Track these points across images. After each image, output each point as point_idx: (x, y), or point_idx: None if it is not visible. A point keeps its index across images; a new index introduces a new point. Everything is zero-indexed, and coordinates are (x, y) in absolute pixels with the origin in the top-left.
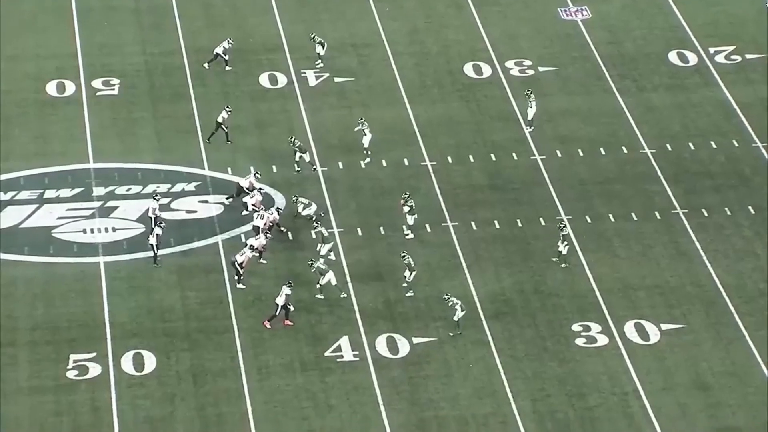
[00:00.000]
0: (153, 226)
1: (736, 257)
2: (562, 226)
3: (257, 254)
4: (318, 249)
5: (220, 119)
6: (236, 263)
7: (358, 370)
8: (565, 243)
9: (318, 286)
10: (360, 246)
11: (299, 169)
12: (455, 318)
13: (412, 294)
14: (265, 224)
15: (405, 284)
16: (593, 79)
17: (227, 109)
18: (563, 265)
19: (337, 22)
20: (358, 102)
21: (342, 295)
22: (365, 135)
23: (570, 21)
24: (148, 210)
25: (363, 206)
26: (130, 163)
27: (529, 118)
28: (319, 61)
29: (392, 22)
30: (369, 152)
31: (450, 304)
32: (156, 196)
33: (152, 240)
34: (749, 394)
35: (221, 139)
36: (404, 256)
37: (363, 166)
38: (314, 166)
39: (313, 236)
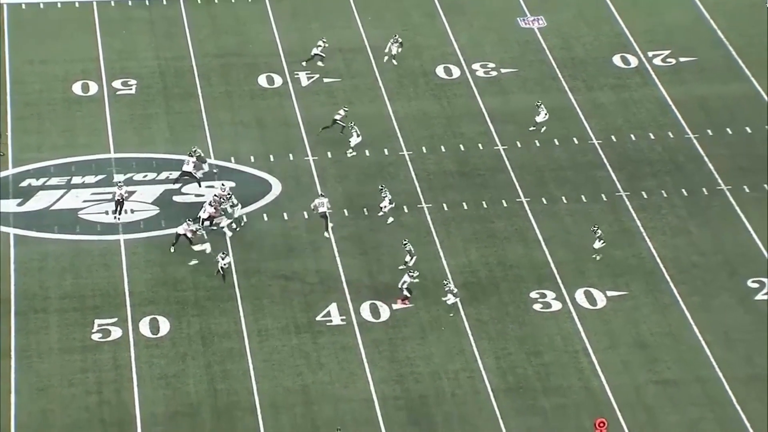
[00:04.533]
0: (195, 228)
1: (672, 233)
2: (595, 228)
3: (208, 222)
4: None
5: (337, 117)
6: (187, 235)
7: (345, 333)
8: (602, 242)
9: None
10: (347, 225)
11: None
12: (448, 302)
13: (417, 275)
14: (210, 203)
15: (405, 266)
16: (548, 80)
17: (345, 109)
18: (597, 258)
19: (326, 30)
20: (344, 100)
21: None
22: (354, 136)
23: (528, 29)
24: (180, 228)
25: (349, 191)
26: (146, 153)
27: (538, 121)
28: (393, 59)
29: (374, 30)
30: (354, 150)
31: (447, 288)
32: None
33: (180, 230)
34: (683, 351)
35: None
36: (405, 243)
37: (348, 155)
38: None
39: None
